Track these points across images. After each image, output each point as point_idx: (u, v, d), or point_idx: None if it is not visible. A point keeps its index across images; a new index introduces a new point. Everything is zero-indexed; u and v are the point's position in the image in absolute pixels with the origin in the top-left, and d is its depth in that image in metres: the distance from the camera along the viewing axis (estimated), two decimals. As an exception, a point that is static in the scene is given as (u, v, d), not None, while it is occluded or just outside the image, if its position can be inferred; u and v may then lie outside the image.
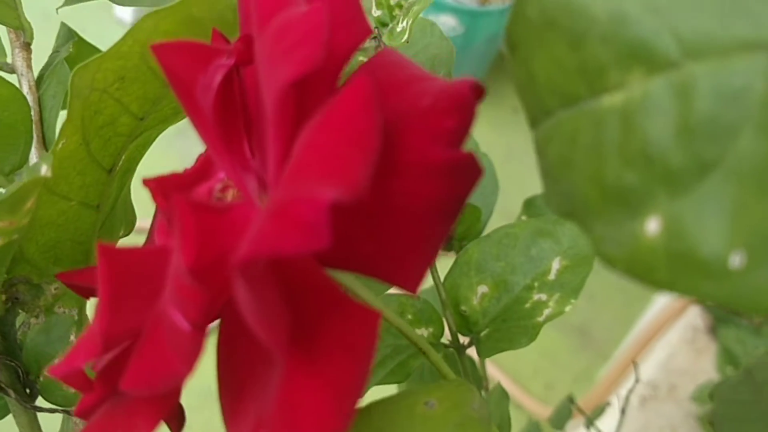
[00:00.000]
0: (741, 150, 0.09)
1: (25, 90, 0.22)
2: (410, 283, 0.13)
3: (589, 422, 0.44)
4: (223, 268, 0.12)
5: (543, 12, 0.13)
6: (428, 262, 0.13)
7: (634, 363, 0.45)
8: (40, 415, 0.19)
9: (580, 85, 0.12)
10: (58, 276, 0.16)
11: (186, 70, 0.14)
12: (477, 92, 0.12)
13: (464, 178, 0.12)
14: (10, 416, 0.19)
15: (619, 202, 0.11)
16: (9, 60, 0.23)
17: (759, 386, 0.30)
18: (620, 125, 0.11)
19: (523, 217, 0.40)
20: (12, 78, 0.22)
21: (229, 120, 0.14)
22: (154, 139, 0.19)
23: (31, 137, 0.21)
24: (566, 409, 0.45)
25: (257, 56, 0.14)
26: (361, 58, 0.23)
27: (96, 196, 0.18)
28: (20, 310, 0.18)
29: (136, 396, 0.13)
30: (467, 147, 0.13)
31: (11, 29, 0.23)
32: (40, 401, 0.19)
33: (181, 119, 0.19)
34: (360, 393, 0.11)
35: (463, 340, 0.32)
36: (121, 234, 0.21)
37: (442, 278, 0.31)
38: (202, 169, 0.15)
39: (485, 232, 0.36)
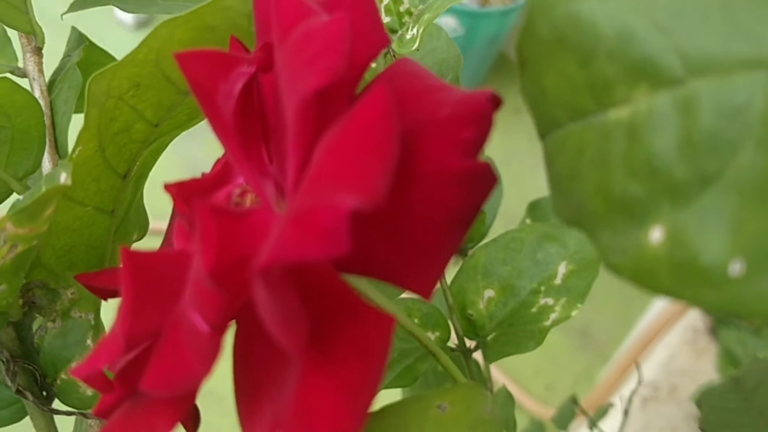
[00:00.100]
0: (741, 164, 0.09)
1: (37, 94, 0.23)
2: (424, 288, 0.13)
3: (593, 423, 0.44)
4: (241, 271, 0.12)
5: (553, 29, 0.13)
6: (442, 268, 0.13)
7: (636, 364, 0.46)
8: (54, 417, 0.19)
9: (588, 99, 0.12)
10: (77, 277, 0.16)
11: (207, 78, 0.14)
12: (494, 103, 0.13)
13: (480, 187, 0.13)
14: (27, 419, 0.19)
15: (624, 212, 0.11)
16: (21, 65, 0.23)
17: (748, 393, 0.30)
18: (626, 138, 0.11)
19: (528, 220, 0.40)
20: (23, 82, 0.22)
21: (248, 127, 0.15)
22: (167, 145, 0.19)
23: (44, 142, 0.21)
24: (569, 410, 0.45)
25: (278, 65, 0.14)
26: (373, 65, 0.24)
27: (111, 202, 0.18)
28: (37, 314, 0.18)
29: (155, 396, 0.13)
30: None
31: (23, 34, 0.23)
32: (56, 404, 0.19)
33: (195, 125, 0.19)
34: (374, 395, 0.11)
35: (470, 343, 0.32)
36: (134, 238, 0.21)
37: (448, 282, 0.31)
38: (221, 175, 0.16)
39: (488, 234, 0.36)
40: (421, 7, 0.27)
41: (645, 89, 0.11)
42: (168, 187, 0.15)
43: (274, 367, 0.13)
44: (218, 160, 0.17)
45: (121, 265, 0.12)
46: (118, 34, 1.40)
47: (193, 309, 0.12)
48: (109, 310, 0.20)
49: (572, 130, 0.13)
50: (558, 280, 0.31)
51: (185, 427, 0.15)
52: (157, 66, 0.16)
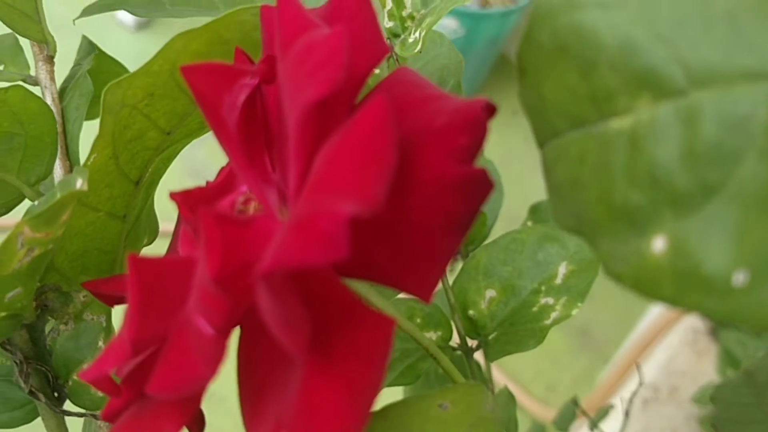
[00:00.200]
0: (744, 174, 0.10)
1: (49, 102, 0.23)
2: (423, 291, 0.13)
3: (594, 424, 0.44)
4: (245, 277, 0.13)
5: (554, 38, 0.13)
6: (441, 272, 0.13)
7: (637, 365, 0.46)
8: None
9: (590, 108, 0.12)
10: (85, 285, 0.16)
11: (212, 89, 0.14)
12: (489, 111, 0.13)
13: (477, 192, 0.13)
14: (38, 419, 0.19)
15: (626, 221, 0.11)
16: (33, 73, 0.24)
17: (761, 388, 0.30)
18: (628, 148, 0.11)
19: (529, 222, 0.41)
20: (35, 90, 0.23)
21: (251, 136, 0.15)
22: (179, 152, 0.20)
23: (56, 149, 0.22)
24: (570, 411, 0.46)
25: (280, 76, 0.14)
26: (376, 70, 0.24)
27: (123, 207, 0.19)
28: (50, 317, 0.19)
29: (162, 399, 0.14)
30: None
31: (35, 42, 0.24)
32: (67, 405, 0.19)
33: (206, 133, 0.20)
34: (375, 395, 0.12)
35: (471, 343, 0.33)
36: (144, 242, 0.22)
37: (450, 282, 0.31)
38: (225, 183, 0.16)
39: (489, 235, 0.37)
40: (423, 11, 0.27)
41: (647, 100, 0.11)
42: (173, 196, 0.15)
43: (277, 369, 0.13)
44: (222, 169, 0.17)
45: (128, 271, 0.13)
46: (119, 35, 1.40)
47: (198, 313, 0.12)
48: (121, 314, 0.20)
49: (572, 138, 0.13)
50: (558, 280, 0.32)
51: (190, 430, 0.16)
52: (171, 76, 0.17)
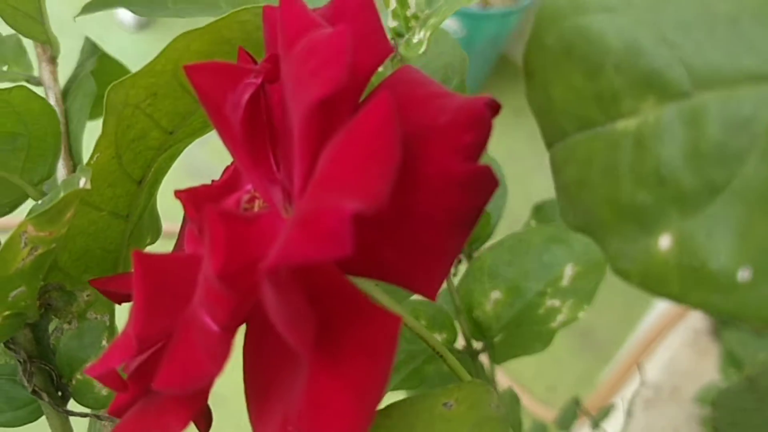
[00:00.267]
0: (748, 174, 0.10)
1: (52, 102, 0.23)
2: (429, 289, 0.13)
3: (596, 424, 0.44)
4: (250, 274, 0.13)
5: (561, 40, 0.13)
6: (446, 269, 0.13)
7: (639, 365, 0.46)
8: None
9: (596, 110, 0.13)
10: (92, 282, 0.17)
11: (215, 89, 0.14)
12: (493, 108, 0.13)
13: (481, 190, 0.13)
14: (42, 419, 0.19)
15: (633, 220, 0.11)
16: (36, 73, 0.24)
17: (762, 394, 0.30)
18: (634, 149, 0.11)
19: (533, 222, 0.41)
20: (38, 90, 0.23)
21: (255, 135, 0.15)
22: (181, 152, 0.20)
23: (60, 149, 0.22)
24: (572, 411, 0.46)
25: (283, 75, 0.15)
26: (380, 68, 0.24)
27: (125, 207, 0.19)
28: (53, 316, 0.19)
29: (168, 395, 0.14)
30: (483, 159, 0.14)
31: (38, 43, 0.24)
32: (71, 404, 0.19)
33: (209, 132, 0.20)
34: (381, 394, 0.12)
35: (476, 345, 0.33)
36: (147, 242, 0.22)
37: (455, 284, 0.31)
38: (229, 182, 0.16)
39: (493, 235, 0.37)
40: (427, 11, 0.27)
41: (652, 101, 0.11)
42: (178, 194, 0.15)
43: (283, 367, 0.13)
44: (227, 168, 0.17)
45: (134, 268, 0.13)
46: (119, 35, 1.41)
47: (203, 310, 0.12)
48: (124, 313, 0.20)
49: (580, 139, 0.13)
50: (565, 282, 0.32)
51: (198, 427, 0.16)
52: (174, 76, 0.17)
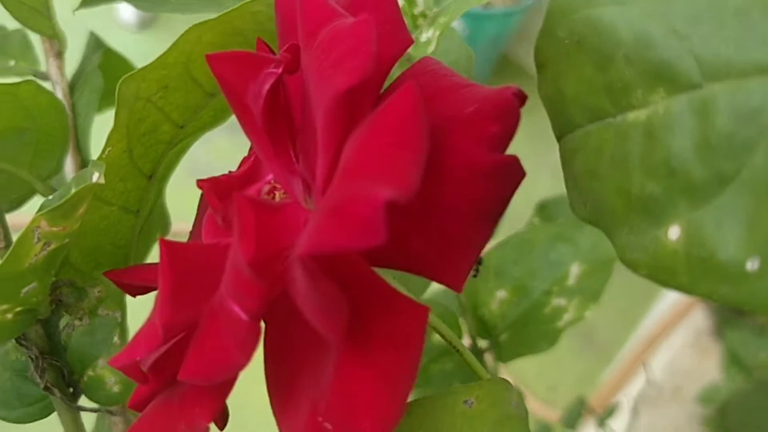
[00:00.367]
0: (756, 164, 0.10)
1: (60, 97, 0.23)
2: (455, 280, 0.13)
3: (601, 421, 0.44)
4: (275, 263, 0.13)
5: (572, 33, 0.13)
6: (473, 261, 0.13)
7: (644, 364, 0.46)
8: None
9: (607, 102, 0.13)
10: (106, 274, 0.16)
11: (237, 78, 0.14)
12: (520, 99, 0.13)
13: (508, 181, 0.13)
14: (53, 415, 0.19)
15: (642, 211, 0.12)
16: (42, 68, 0.24)
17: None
18: (644, 139, 0.12)
19: (535, 220, 0.40)
20: (45, 85, 0.23)
21: (276, 125, 0.15)
22: (190, 146, 0.20)
23: (68, 144, 0.21)
24: (577, 410, 0.46)
25: (305, 66, 0.14)
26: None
27: (136, 202, 0.18)
28: (64, 312, 0.19)
29: (191, 388, 0.14)
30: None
31: (45, 38, 0.23)
32: (82, 401, 0.19)
33: (218, 126, 0.19)
34: (412, 384, 0.12)
35: (482, 344, 0.32)
36: (157, 237, 0.21)
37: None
38: (249, 172, 0.16)
39: (494, 235, 0.37)
40: (435, 9, 0.27)
41: (662, 93, 0.11)
42: (201, 183, 0.15)
43: (308, 358, 0.13)
44: (245, 159, 0.17)
45: (160, 257, 0.13)
46: (121, 34, 1.40)
47: (231, 299, 0.12)
48: (135, 309, 0.20)
49: (590, 131, 0.13)
50: (571, 281, 0.32)
51: (215, 423, 0.15)
52: (185, 68, 0.17)
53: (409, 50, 0.26)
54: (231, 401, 0.14)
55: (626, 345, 0.92)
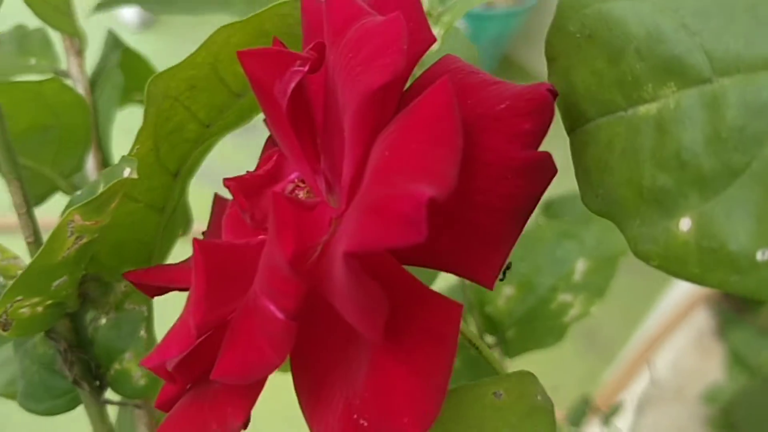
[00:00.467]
0: (766, 157, 0.10)
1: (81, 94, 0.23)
2: (486, 277, 0.13)
3: (606, 420, 0.44)
4: (306, 261, 0.13)
5: (583, 27, 0.14)
6: (504, 257, 0.13)
7: (648, 363, 0.46)
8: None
9: (618, 95, 0.13)
10: (126, 275, 0.16)
11: (266, 75, 0.14)
12: (555, 95, 0.13)
13: (540, 177, 0.13)
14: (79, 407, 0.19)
15: (653, 203, 0.12)
16: (63, 66, 0.24)
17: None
18: (655, 133, 0.12)
19: (541, 219, 0.41)
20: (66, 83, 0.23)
21: (301, 123, 0.15)
22: (214, 145, 0.20)
23: (90, 141, 0.22)
24: (582, 409, 0.46)
25: (331, 64, 0.14)
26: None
27: (161, 199, 0.19)
28: (90, 307, 0.19)
29: (221, 387, 0.14)
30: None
31: (66, 37, 0.24)
32: (108, 393, 0.19)
33: (243, 125, 0.20)
34: (447, 378, 0.12)
35: (489, 339, 0.33)
36: (179, 234, 0.22)
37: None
38: (272, 171, 0.16)
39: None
40: (440, 8, 0.27)
41: (673, 87, 0.11)
42: (227, 182, 0.15)
43: (340, 355, 0.13)
44: (264, 158, 0.17)
45: (194, 256, 0.13)
46: (122, 35, 1.40)
47: (266, 298, 0.12)
48: (161, 304, 0.20)
49: (601, 124, 0.13)
50: (576, 277, 0.32)
51: None
52: (213, 68, 0.17)
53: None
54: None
55: (629, 345, 0.92)
